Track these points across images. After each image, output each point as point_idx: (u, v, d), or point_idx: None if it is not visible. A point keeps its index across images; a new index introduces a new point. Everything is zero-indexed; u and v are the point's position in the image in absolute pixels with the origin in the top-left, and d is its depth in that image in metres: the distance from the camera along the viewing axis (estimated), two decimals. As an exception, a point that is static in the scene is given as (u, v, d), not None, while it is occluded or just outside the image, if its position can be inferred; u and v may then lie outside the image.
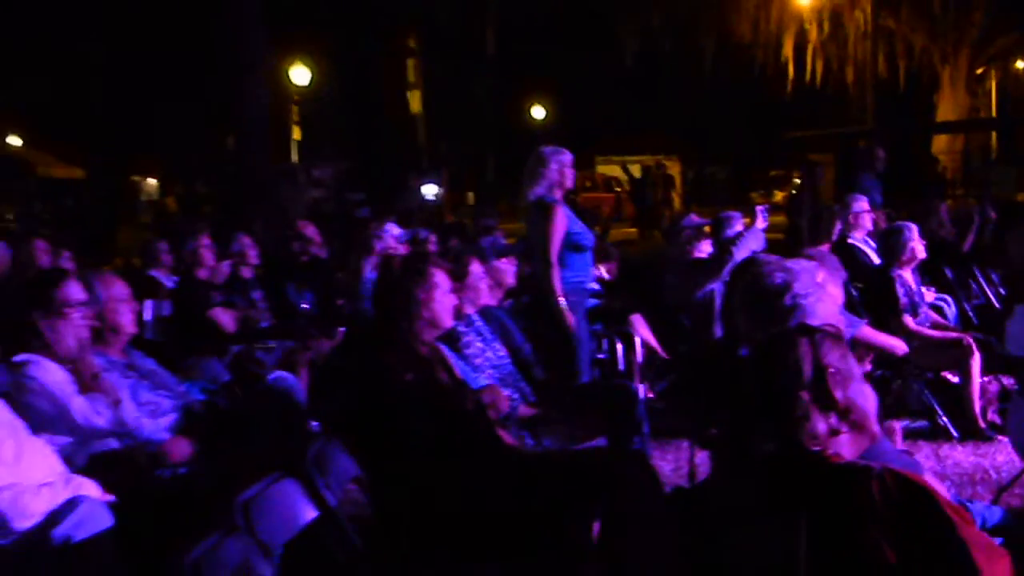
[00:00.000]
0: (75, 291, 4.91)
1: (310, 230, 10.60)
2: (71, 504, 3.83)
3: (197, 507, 4.37)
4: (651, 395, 7.82)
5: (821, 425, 2.80)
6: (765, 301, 3.80)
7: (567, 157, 7.59)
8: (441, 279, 4.77)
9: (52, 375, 4.79)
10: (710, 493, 3.29)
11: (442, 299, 4.75)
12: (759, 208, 9.02)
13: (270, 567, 3.34)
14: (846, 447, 2.85)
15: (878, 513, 2.61)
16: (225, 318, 8.67)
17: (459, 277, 5.80)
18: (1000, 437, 7.16)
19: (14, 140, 34.29)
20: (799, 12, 30.15)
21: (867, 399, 2.88)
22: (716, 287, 8.26)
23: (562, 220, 7.33)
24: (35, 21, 26.10)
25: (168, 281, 9.40)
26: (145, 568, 3.95)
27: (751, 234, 8.44)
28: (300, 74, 25.48)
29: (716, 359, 4.25)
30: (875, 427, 2.90)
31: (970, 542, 2.57)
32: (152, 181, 32.10)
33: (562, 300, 7.17)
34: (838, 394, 2.83)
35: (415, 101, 31.83)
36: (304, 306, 9.75)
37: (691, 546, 3.01)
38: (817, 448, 2.80)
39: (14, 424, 4.25)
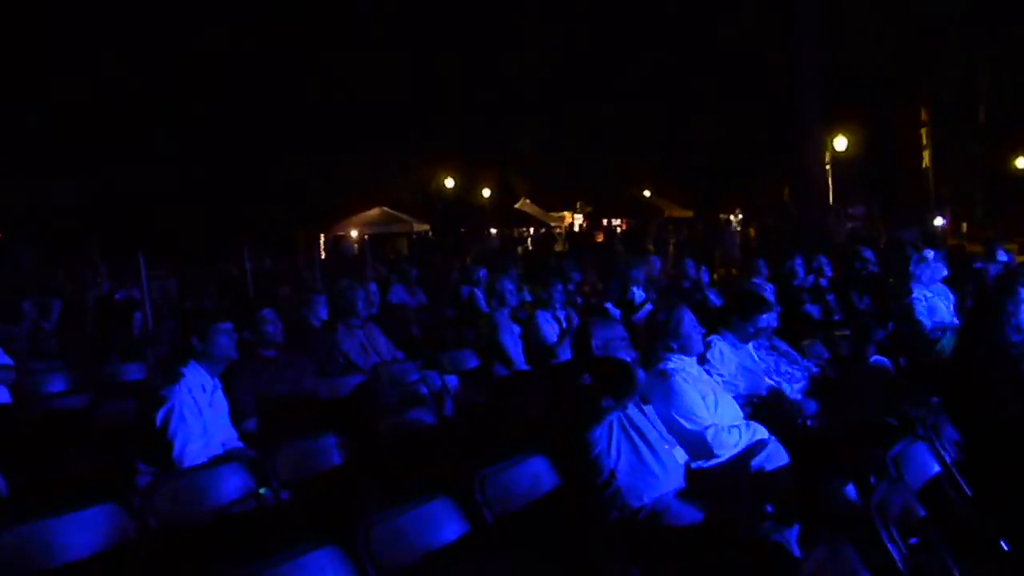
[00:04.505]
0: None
1: (868, 253, 9.85)
2: (760, 444, 3.68)
3: (826, 452, 4.10)
4: None
5: None
6: None
7: None
8: (1027, 295, 4.06)
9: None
10: None
11: (1025, 311, 4.04)
12: None
13: (923, 511, 2.92)
14: None
15: None
16: (813, 311, 8.31)
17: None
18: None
19: (646, 192, 35.71)
20: None
21: None
22: None
23: None
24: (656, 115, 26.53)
25: (764, 287, 9.12)
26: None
27: None
28: (840, 142, 24.15)
29: None
30: None
31: None
32: (733, 218, 32.03)
33: None
34: None
35: (926, 158, 29.67)
36: (862, 306, 9.09)
37: None
38: None
39: (712, 384, 4.20)
